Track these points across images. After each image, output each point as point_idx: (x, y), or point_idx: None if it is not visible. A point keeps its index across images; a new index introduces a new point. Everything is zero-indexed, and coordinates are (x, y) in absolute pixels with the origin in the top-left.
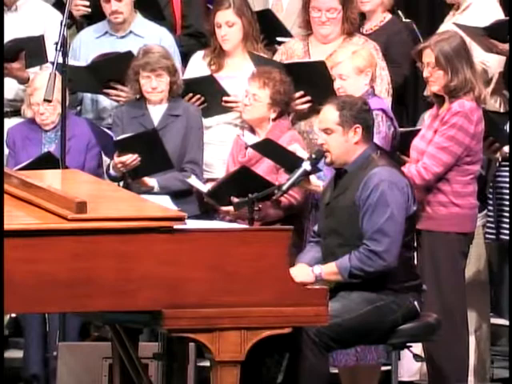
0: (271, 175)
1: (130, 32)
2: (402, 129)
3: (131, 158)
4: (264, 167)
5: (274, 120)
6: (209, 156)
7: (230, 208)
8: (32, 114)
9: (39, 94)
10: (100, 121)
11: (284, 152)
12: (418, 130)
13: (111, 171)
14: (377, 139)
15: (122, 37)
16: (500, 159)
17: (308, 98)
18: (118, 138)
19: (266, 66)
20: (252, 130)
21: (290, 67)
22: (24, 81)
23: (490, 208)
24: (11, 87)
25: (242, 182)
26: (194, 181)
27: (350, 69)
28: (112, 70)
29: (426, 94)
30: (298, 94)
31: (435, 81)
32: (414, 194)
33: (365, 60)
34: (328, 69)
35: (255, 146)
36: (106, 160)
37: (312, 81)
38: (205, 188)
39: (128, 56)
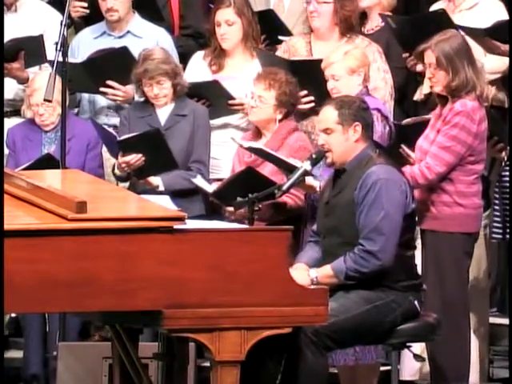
0: (277, 175)
1: (128, 32)
2: (409, 119)
3: (135, 158)
4: (270, 167)
5: (281, 121)
6: (212, 156)
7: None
8: (32, 115)
9: (38, 94)
10: (99, 120)
11: (276, 160)
12: (423, 123)
13: (116, 171)
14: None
15: (120, 37)
16: (506, 159)
17: (311, 98)
18: (122, 138)
19: (272, 62)
20: (258, 132)
21: (292, 64)
22: (23, 81)
23: (497, 208)
24: (11, 87)
25: (247, 182)
26: (199, 181)
27: (342, 69)
28: (108, 66)
29: (415, 98)
30: (301, 94)
31: (437, 81)
32: (412, 192)
33: (357, 60)
34: None
35: (251, 149)
36: (108, 158)
37: (314, 79)
38: (210, 188)
39: (123, 51)
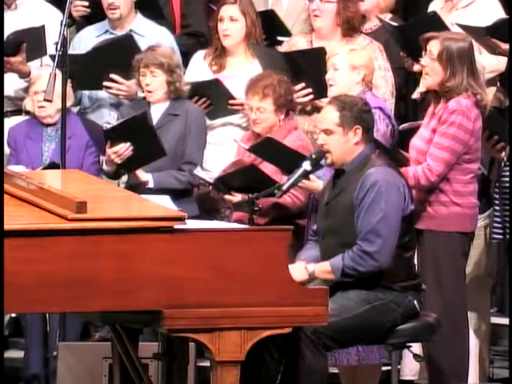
0: (277, 175)
1: (130, 31)
2: (405, 124)
3: (124, 147)
4: (270, 167)
5: (283, 119)
6: (212, 156)
7: (233, 198)
8: (32, 107)
9: (42, 83)
10: (100, 119)
11: (285, 150)
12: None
13: (104, 166)
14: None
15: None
16: (505, 159)
17: (309, 90)
18: (109, 126)
19: (269, 56)
20: (258, 135)
21: (289, 56)
22: (25, 75)
23: (497, 208)
24: (12, 82)
25: (247, 178)
26: (199, 172)
27: (343, 62)
28: (112, 57)
29: (414, 96)
30: (299, 87)
31: (429, 73)
32: (410, 194)
33: (361, 59)
34: None
35: (254, 149)
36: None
37: (313, 69)
38: (210, 179)
39: (128, 39)
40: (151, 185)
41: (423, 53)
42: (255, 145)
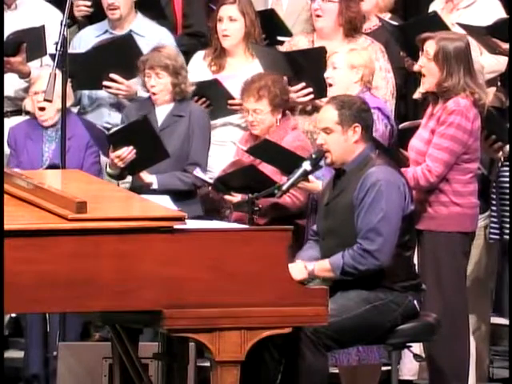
0: (276, 175)
1: (130, 31)
2: (405, 123)
3: (127, 151)
4: (270, 167)
5: (280, 119)
6: (211, 156)
7: (233, 198)
8: (32, 107)
9: (42, 83)
10: (100, 119)
11: (283, 151)
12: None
13: (108, 169)
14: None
15: None
16: (502, 159)
17: (310, 89)
18: (111, 131)
19: (269, 55)
20: (256, 136)
21: (289, 55)
22: (25, 75)
23: (494, 208)
24: (12, 82)
25: (246, 178)
26: (199, 173)
27: (342, 60)
28: (112, 56)
29: (414, 97)
30: (299, 86)
31: (426, 74)
32: (411, 194)
33: (361, 58)
34: None
35: (252, 150)
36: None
37: (313, 69)
38: (210, 180)
39: (128, 38)
40: (155, 186)
41: (420, 53)
42: (253, 146)
